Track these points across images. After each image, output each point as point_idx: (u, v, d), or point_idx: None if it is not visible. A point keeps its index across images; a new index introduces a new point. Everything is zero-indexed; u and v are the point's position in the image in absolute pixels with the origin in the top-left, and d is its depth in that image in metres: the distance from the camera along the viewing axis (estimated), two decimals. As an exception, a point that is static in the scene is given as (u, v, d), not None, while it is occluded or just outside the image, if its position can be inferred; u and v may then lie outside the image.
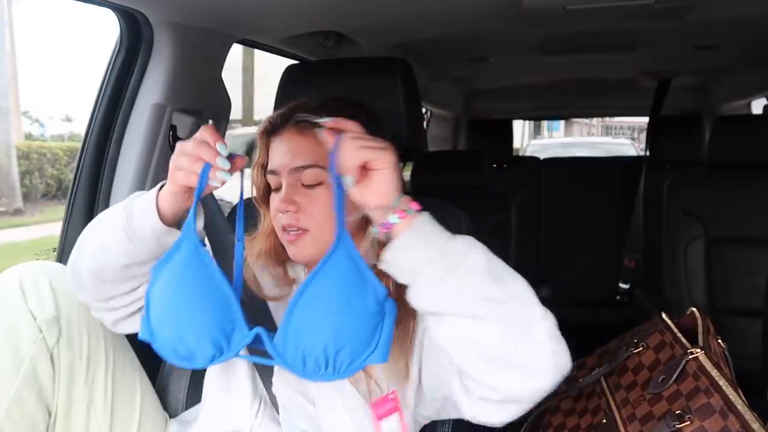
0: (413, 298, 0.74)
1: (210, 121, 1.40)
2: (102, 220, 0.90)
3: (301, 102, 0.92)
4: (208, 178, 0.77)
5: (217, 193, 0.95)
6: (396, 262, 0.73)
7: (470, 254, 0.72)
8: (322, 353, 0.71)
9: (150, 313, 0.76)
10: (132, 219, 0.83)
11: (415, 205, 0.74)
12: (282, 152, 0.90)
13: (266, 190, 0.95)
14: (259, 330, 0.74)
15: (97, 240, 0.87)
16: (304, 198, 0.88)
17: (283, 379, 0.90)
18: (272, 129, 0.91)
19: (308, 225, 0.88)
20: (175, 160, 0.79)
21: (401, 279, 0.74)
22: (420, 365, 0.87)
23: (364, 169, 0.73)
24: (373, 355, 0.72)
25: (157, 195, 0.83)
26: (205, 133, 0.78)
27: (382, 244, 0.77)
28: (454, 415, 0.86)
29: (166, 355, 0.76)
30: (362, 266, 0.73)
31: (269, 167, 0.91)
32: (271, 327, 0.87)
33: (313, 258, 0.89)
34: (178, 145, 0.80)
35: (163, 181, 0.84)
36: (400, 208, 0.73)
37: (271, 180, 0.92)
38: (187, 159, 0.77)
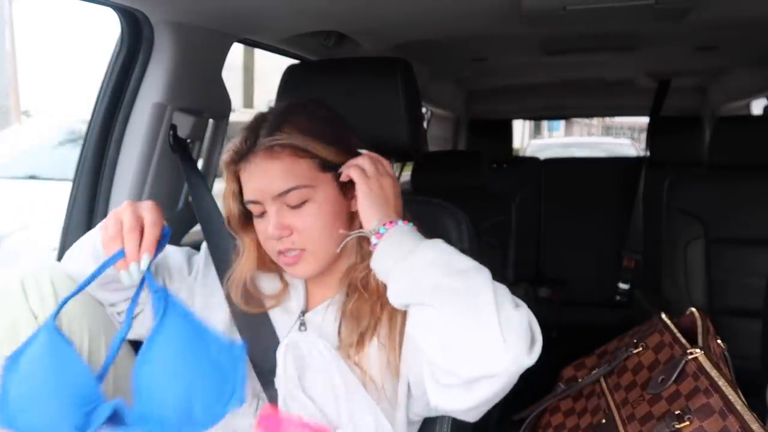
0: (389, 296, 0.83)
1: (210, 121, 1.40)
2: (79, 245, 0.96)
3: (258, 120, 0.90)
4: (113, 263, 0.81)
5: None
6: (375, 266, 0.84)
7: (428, 253, 0.81)
8: (175, 412, 0.75)
9: (8, 401, 0.77)
10: (95, 247, 0.89)
11: (389, 225, 0.84)
12: (258, 180, 0.88)
13: (242, 217, 0.94)
14: (116, 404, 0.77)
15: (77, 264, 0.93)
16: (295, 219, 0.88)
17: (284, 374, 0.90)
18: (239, 158, 0.89)
19: (305, 244, 0.89)
20: (106, 222, 0.84)
21: (382, 277, 0.84)
22: (406, 361, 0.89)
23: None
24: (232, 400, 0.78)
25: None
26: (149, 227, 0.82)
27: None
28: (442, 411, 0.87)
29: None
30: (197, 322, 0.80)
31: (248, 197, 0.90)
32: (272, 340, 0.94)
33: (316, 273, 0.92)
34: (126, 205, 0.84)
35: None
36: (376, 231, 0.84)
37: (253, 208, 0.91)
38: (113, 230, 0.82)
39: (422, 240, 0.84)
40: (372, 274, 0.88)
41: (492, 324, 0.74)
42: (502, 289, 0.79)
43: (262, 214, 0.90)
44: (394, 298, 0.82)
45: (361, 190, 0.86)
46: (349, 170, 0.88)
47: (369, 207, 0.86)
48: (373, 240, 0.84)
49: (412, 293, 0.80)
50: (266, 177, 0.87)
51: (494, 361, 0.73)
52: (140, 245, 0.81)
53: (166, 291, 0.81)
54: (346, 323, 0.92)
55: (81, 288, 0.83)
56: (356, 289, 0.91)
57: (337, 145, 0.90)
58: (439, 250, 0.82)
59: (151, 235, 0.81)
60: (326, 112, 0.94)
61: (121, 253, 0.80)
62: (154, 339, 0.78)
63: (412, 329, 0.82)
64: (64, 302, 0.82)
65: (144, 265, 0.80)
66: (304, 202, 0.88)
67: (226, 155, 0.91)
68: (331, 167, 0.89)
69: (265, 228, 0.89)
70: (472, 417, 0.82)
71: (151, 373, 0.78)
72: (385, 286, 0.84)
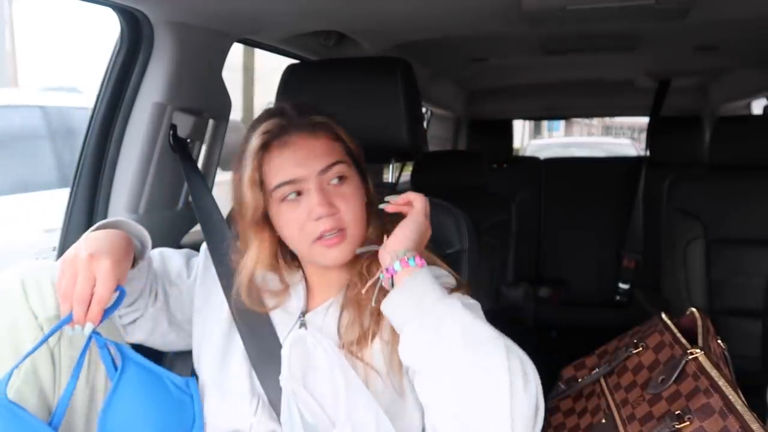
0: (400, 351, 0.80)
1: (210, 121, 1.40)
2: None
3: (279, 108, 0.91)
4: (63, 326, 0.82)
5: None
6: (389, 310, 0.81)
7: (449, 319, 0.77)
8: None
9: None
10: None
11: (419, 261, 0.81)
12: (301, 157, 0.88)
13: (264, 211, 0.91)
14: None
15: None
16: (337, 197, 0.89)
17: (288, 371, 0.90)
18: (273, 138, 0.89)
19: (347, 223, 0.89)
20: (62, 269, 0.84)
21: (394, 325, 0.82)
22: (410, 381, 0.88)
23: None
24: (194, 428, 0.90)
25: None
26: (96, 302, 0.81)
27: (383, 291, 0.83)
28: None
29: None
30: (152, 367, 0.89)
31: (285, 178, 0.88)
32: (273, 340, 0.95)
33: (348, 259, 0.91)
34: (84, 264, 0.83)
35: (101, 222, 0.91)
36: (405, 258, 0.81)
37: (285, 190, 0.88)
38: (66, 287, 0.82)
39: (442, 296, 0.80)
40: (374, 263, 0.88)
41: (503, 414, 0.71)
42: (516, 361, 0.74)
43: (298, 197, 0.88)
44: (406, 358, 0.80)
45: (413, 219, 0.86)
46: (416, 195, 0.89)
47: (404, 237, 0.84)
48: (397, 266, 0.81)
49: (426, 360, 0.77)
50: (310, 153, 0.88)
51: None
52: (88, 310, 0.82)
53: (118, 345, 0.86)
54: (346, 318, 0.91)
55: (34, 350, 0.84)
56: (355, 284, 0.91)
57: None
58: (459, 314, 0.78)
59: (96, 307, 0.81)
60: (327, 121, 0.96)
61: (69, 318, 0.82)
62: (115, 392, 0.85)
63: (420, 390, 0.81)
64: (11, 372, 0.83)
65: (87, 331, 0.82)
66: (344, 180, 0.89)
67: (257, 139, 0.88)
68: (353, 159, 0.93)
69: (302, 212, 0.88)
70: None
71: (119, 415, 0.84)
72: None
